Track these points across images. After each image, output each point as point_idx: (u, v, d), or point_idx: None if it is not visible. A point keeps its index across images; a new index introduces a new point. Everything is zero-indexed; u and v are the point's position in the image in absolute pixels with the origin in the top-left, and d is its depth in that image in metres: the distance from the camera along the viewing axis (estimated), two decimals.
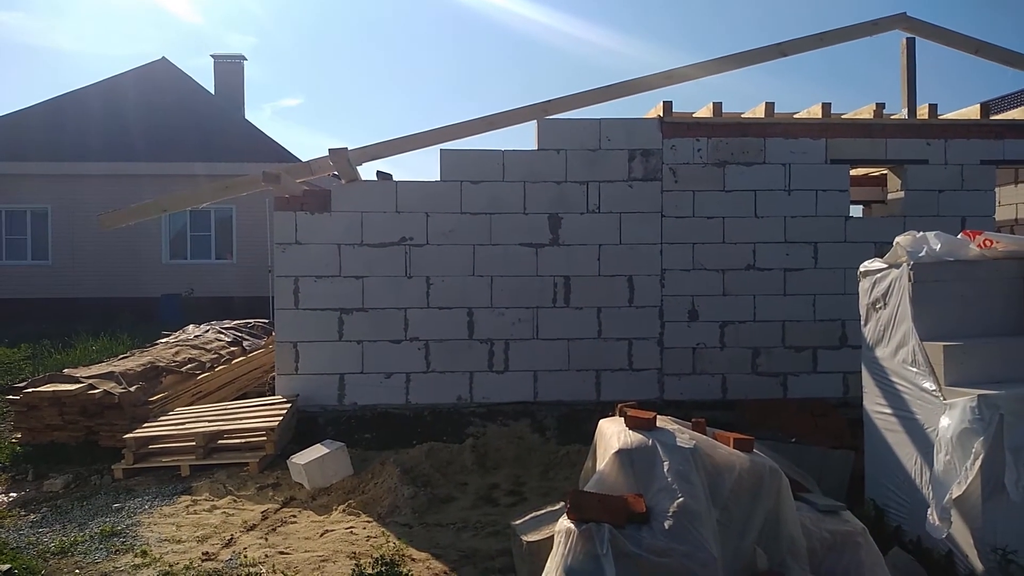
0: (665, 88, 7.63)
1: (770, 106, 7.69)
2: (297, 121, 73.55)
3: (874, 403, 4.59)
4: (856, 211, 12.64)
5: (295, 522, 5.21)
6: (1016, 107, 8.92)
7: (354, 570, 4.08)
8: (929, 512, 3.82)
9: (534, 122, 7.49)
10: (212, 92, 23.03)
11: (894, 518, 4.40)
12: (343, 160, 6.76)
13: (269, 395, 8.11)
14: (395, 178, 7.48)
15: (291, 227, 7.26)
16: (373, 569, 4.07)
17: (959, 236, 4.38)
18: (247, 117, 23.29)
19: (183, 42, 72.85)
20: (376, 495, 5.54)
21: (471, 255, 7.37)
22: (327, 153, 6.97)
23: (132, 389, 6.85)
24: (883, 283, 4.44)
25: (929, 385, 4.02)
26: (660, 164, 7.56)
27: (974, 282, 4.22)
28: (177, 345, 8.81)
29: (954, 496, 3.70)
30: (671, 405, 7.43)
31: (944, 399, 3.89)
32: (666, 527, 3.34)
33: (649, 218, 7.58)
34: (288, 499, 5.68)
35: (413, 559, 4.44)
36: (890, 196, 8.14)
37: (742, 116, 7.95)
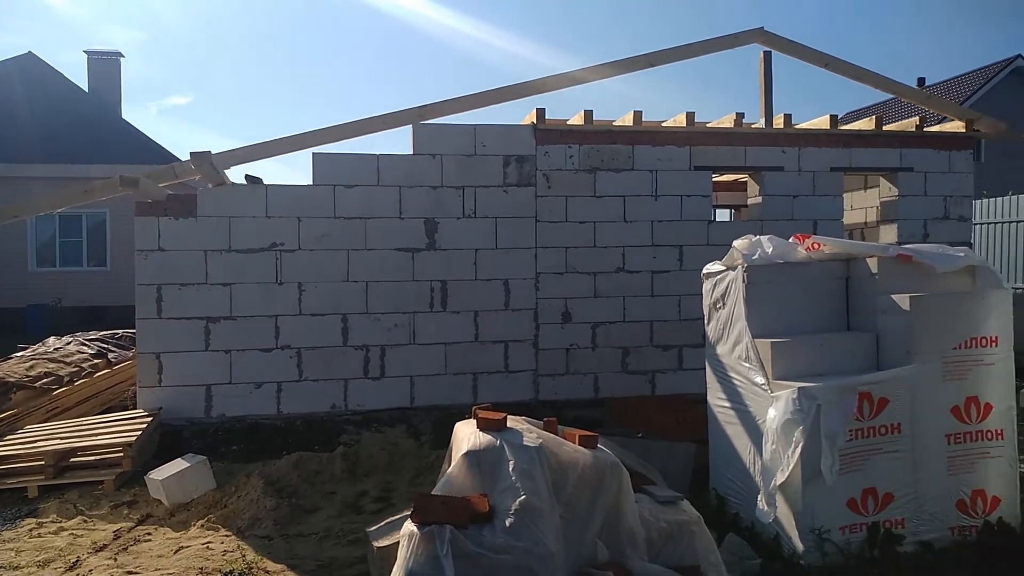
0: (540, 95, 7.80)
1: (638, 114, 7.98)
2: (186, 120, 70.64)
3: (716, 398, 4.86)
4: (725, 215, 13.31)
5: (149, 540, 5.02)
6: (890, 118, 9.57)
7: None
8: (758, 498, 4.07)
9: (410, 127, 7.50)
10: (86, 90, 21.82)
11: (733, 506, 4.66)
12: (206, 164, 6.56)
13: (133, 409, 7.75)
14: (271, 181, 7.34)
15: (153, 233, 6.98)
16: None
17: (790, 240, 4.69)
18: (127, 116, 22.24)
19: (60, 36, 68.72)
20: (237, 508, 5.40)
21: (345, 260, 7.30)
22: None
23: None
24: (722, 284, 4.70)
25: (760, 379, 4.29)
26: (534, 170, 7.71)
27: (802, 283, 4.53)
28: (33, 359, 8.30)
29: (778, 482, 3.96)
30: (546, 405, 7.60)
31: (772, 392, 4.16)
32: (507, 525, 3.42)
33: (524, 223, 7.72)
34: (144, 516, 5.46)
35: (268, 571, 4.37)
36: (750, 201, 8.60)
37: (613, 124, 8.21)
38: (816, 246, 4.59)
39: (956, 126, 8.82)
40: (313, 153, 7.24)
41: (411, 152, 7.46)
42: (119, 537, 5.04)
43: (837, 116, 8.44)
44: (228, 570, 4.21)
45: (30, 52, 21.62)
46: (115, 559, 4.64)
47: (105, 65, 22.33)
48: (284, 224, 7.17)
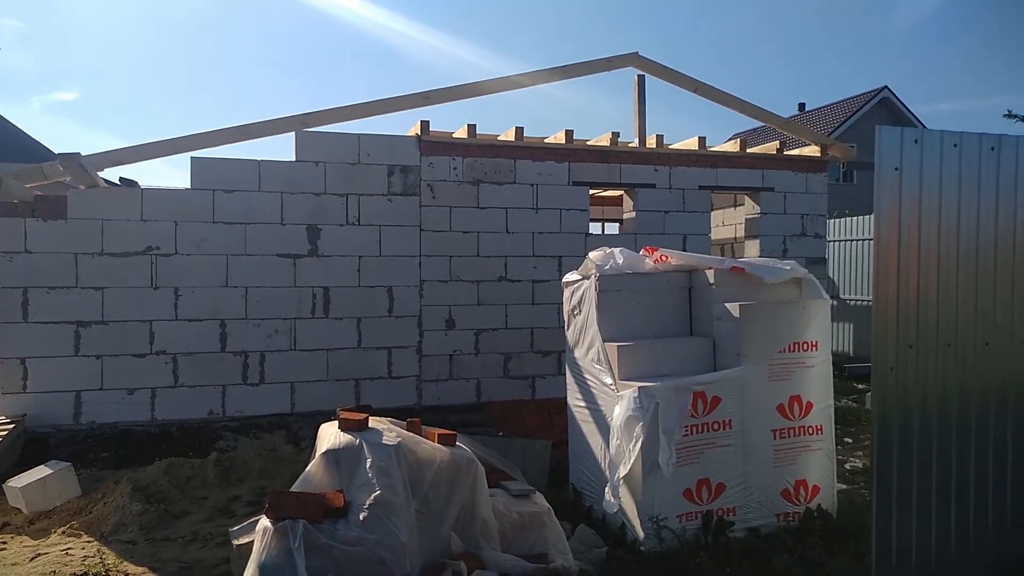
0: (425, 107, 8.01)
1: (519, 130, 8.31)
2: (73, 116, 66.88)
3: (574, 398, 5.18)
4: (612, 228, 13.86)
5: (4, 549, 4.88)
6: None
7: None
8: (606, 490, 4.39)
9: (293, 133, 7.55)
10: None
11: (588, 498, 4.98)
12: (75, 166, 6.42)
13: None
14: (158, 184, 7.23)
15: (19, 234, 6.75)
16: None
17: (640, 252, 5.06)
18: (4, 111, 20.97)
19: None
20: (102, 514, 5.32)
21: (224, 266, 7.26)
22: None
23: None
24: (579, 292, 5.03)
25: (608, 380, 4.63)
26: (419, 180, 7.90)
27: (649, 291, 4.91)
28: None
29: (621, 475, 4.29)
30: (429, 410, 7.79)
31: (618, 391, 4.50)
32: (361, 519, 3.60)
33: (408, 231, 7.89)
34: (1, 526, 5.30)
35: (127, 574, 4.36)
36: (625, 216, 9.07)
37: (496, 138, 8.51)
38: (663, 258, 4.98)
39: (813, 150, 9.57)
40: (192, 157, 7.18)
41: (294, 159, 7.50)
42: None
43: (705, 138, 9.03)
44: (84, 573, 4.17)
45: None
46: None
47: None
48: (160, 228, 7.08)
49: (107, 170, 7.11)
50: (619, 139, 8.77)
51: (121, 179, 7.15)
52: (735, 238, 10.79)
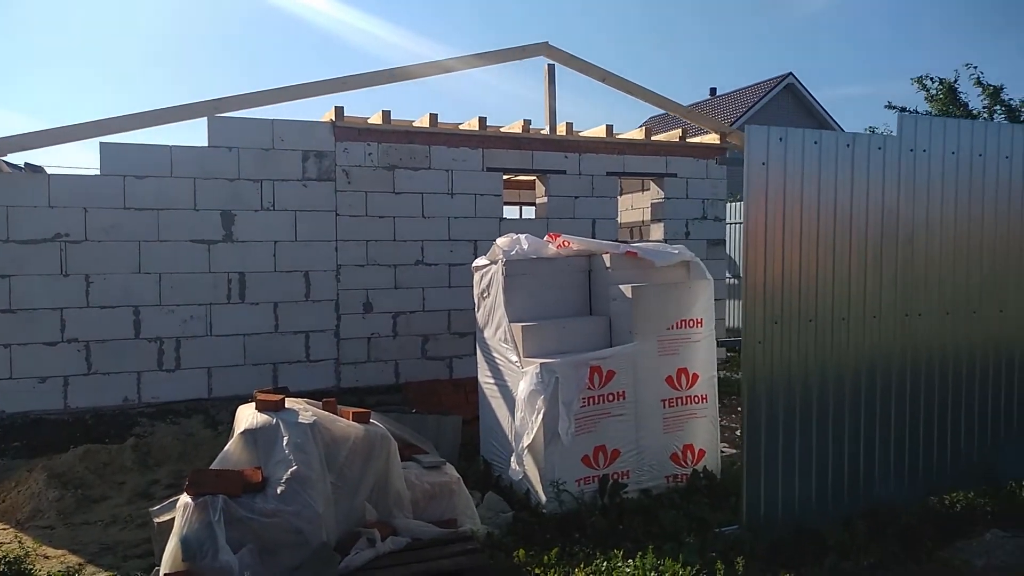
0: (339, 93, 8.11)
1: (434, 117, 8.52)
2: None
3: (484, 376, 5.51)
4: (531, 212, 14.21)
5: None
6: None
7: None
8: (511, 459, 4.74)
9: (206, 119, 7.55)
10: None
11: (498, 469, 5.33)
12: None
13: None
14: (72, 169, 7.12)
15: None
16: None
17: (544, 238, 5.41)
18: None
19: None
20: (17, 502, 5.36)
21: (137, 252, 7.24)
22: None
23: None
24: (487, 276, 5.35)
25: (514, 358, 4.97)
26: (334, 165, 8.02)
27: (552, 275, 5.27)
28: None
29: (525, 444, 4.65)
30: (348, 392, 7.97)
31: (522, 368, 4.84)
32: (278, 492, 3.83)
33: (324, 216, 8.01)
34: None
35: (47, 556, 4.46)
36: (538, 200, 9.42)
37: (412, 124, 8.69)
38: (566, 244, 5.34)
39: (713, 138, 10.12)
40: (101, 143, 7.11)
41: (207, 144, 7.51)
42: None
43: (612, 126, 9.45)
44: (3, 557, 4.25)
45: None
46: None
47: None
48: (69, 214, 7.00)
49: (11, 155, 6.97)
50: (531, 126, 9.08)
51: (27, 164, 7.03)
52: (643, 221, 11.31)
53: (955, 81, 10.40)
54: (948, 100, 10.39)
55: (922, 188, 4.55)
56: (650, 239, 10.26)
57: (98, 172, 7.16)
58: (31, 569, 4.07)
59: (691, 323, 5.12)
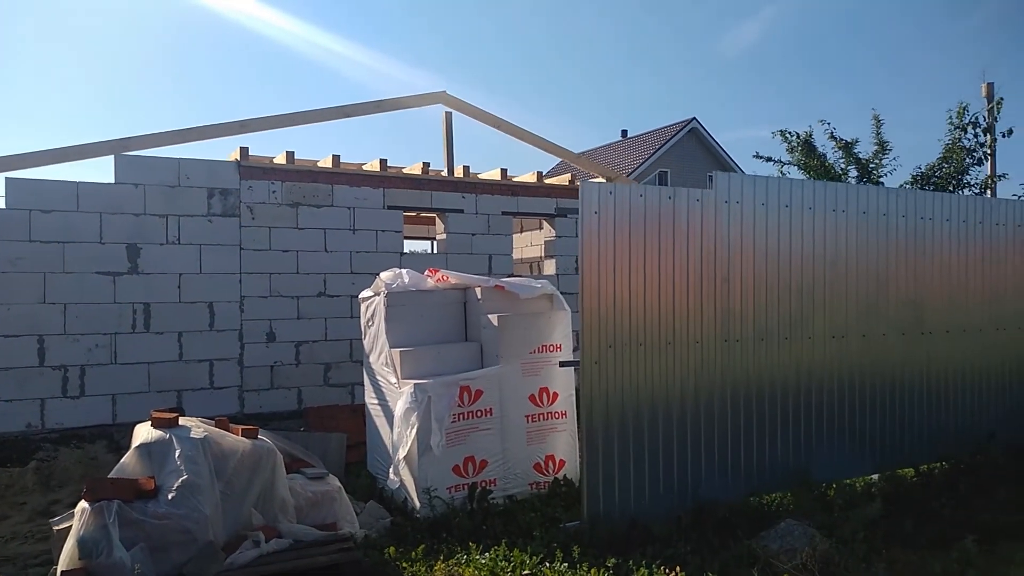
0: (242, 135, 8.62)
1: (336, 158, 9.12)
2: None
3: (370, 398, 6.09)
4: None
5: None
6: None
7: None
8: (390, 470, 5.32)
9: (112, 156, 7.93)
10: None
11: (381, 481, 5.90)
12: None
13: None
14: None
15: None
16: None
17: (424, 273, 6.07)
18: None
19: None
20: None
21: (42, 283, 7.52)
22: None
23: None
24: (372, 307, 5.96)
25: (394, 379, 5.58)
26: (238, 202, 8.50)
27: (430, 306, 5.92)
28: None
29: (401, 456, 5.24)
30: (251, 418, 8.35)
31: (400, 388, 5.45)
32: (170, 498, 4.31)
33: (229, 250, 8.45)
34: None
35: None
36: (438, 237, 10.09)
37: (316, 164, 9.26)
38: (444, 278, 6.01)
39: (601, 181, 11.03)
40: (6, 178, 7.40)
41: (113, 181, 7.88)
42: None
43: (506, 169, 10.24)
44: None
45: None
46: None
47: None
48: None
49: None
50: (430, 168, 9.78)
51: None
52: (541, 257, 12.12)
53: (810, 135, 11.72)
54: (805, 151, 11.67)
55: (736, 233, 5.43)
56: (543, 274, 11.06)
57: (3, 206, 7.44)
58: None
59: (551, 348, 5.84)
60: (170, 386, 8.14)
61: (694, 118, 32.08)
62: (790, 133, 11.86)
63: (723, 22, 77.71)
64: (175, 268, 8.15)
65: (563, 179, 10.85)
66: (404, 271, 5.95)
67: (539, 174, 10.51)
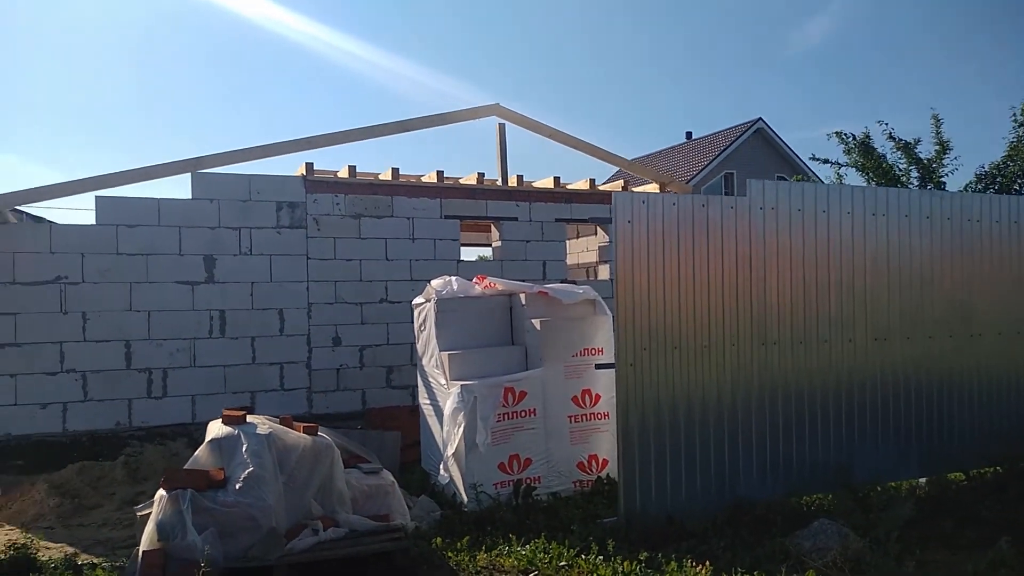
0: (308, 151, 9.15)
1: (395, 170, 9.56)
2: None
3: (423, 398, 6.45)
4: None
5: None
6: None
7: None
8: (439, 467, 5.66)
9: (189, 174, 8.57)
10: None
11: (433, 477, 6.25)
12: None
13: None
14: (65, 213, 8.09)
15: None
16: (5, 555, 4.92)
17: (473, 280, 6.40)
18: None
19: None
20: (22, 508, 6.24)
21: (128, 292, 8.19)
22: None
23: None
24: (424, 312, 6.32)
25: (443, 381, 5.92)
26: (305, 214, 9.03)
27: (477, 311, 6.24)
28: None
29: (450, 453, 5.57)
30: (319, 418, 8.83)
31: (448, 389, 5.79)
32: (237, 488, 4.74)
33: (297, 260, 9.00)
34: None
35: (48, 548, 5.34)
36: (493, 244, 10.43)
37: (377, 177, 9.73)
38: (491, 285, 6.32)
39: (653, 187, 11.17)
40: (96, 196, 8.11)
41: (190, 197, 8.51)
42: None
43: (559, 177, 10.50)
44: (11, 545, 5.13)
45: None
46: None
47: None
48: (69, 259, 7.97)
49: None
50: (485, 177, 10.14)
51: (30, 216, 8.01)
52: (596, 262, 12.33)
53: (867, 136, 11.52)
54: (862, 153, 11.48)
55: (772, 238, 5.56)
56: (598, 278, 11.27)
57: (94, 222, 8.15)
58: (35, 555, 4.95)
59: (593, 351, 6.08)
60: (244, 388, 8.71)
61: (760, 118, 31.58)
62: (846, 134, 11.72)
63: (791, 19, 75.97)
64: (247, 277, 8.72)
65: (616, 185, 11.05)
66: (453, 278, 6.29)
67: (592, 181, 10.72)
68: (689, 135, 35.63)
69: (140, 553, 4.50)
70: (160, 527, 4.46)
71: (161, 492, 4.61)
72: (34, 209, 9.34)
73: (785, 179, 15.79)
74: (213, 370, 8.58)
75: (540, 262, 10.28)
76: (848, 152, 11.60)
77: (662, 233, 5.14)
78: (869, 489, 5.87)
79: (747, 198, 5.50)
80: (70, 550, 5.28)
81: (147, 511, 5.09)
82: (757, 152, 31.10)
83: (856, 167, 11.55)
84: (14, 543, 5.10)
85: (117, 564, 4.94)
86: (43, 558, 4.96)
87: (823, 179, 13.15)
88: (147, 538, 4.50)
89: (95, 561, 5.04)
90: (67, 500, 6.36)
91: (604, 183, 11.22)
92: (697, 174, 29.35)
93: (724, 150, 30.31)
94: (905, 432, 6.13)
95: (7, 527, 5.92)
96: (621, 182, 11.05)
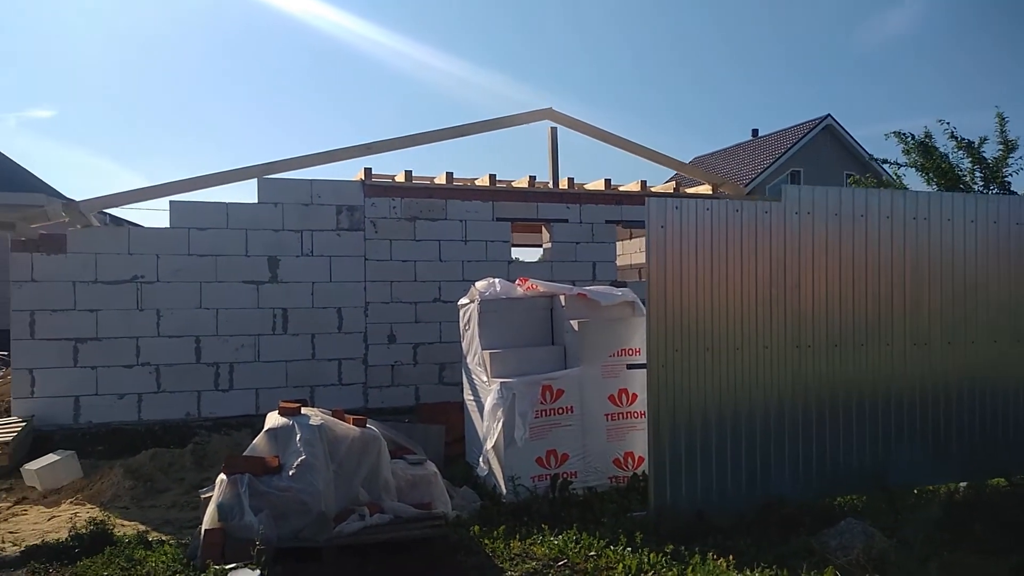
0: (367, 157, 9.58)
1: (450, 175, 9.90)
2: (50, 134, 67.66)
3: (467, 394, 6.74)
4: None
5: (25, 514, 6.35)
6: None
7: (70, 531, 5.41)
8: (480, 459, 5.94)
9: (256, 180, 9.08)
10: None
11: (476, 470, 6.53)
12: (75, 212, 7.94)
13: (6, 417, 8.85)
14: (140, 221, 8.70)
15: (27, 267, 8.22)
16: (86, 530, 5.42)
17: (515, 282, 6.65)
18: None
19: None
20: (100, 489, 6.80)
21: (199, 291, 8.76)
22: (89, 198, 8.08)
23: None
24: (468, 312, 6.61)
25: (485, 378, 6.19)
26: (363, 217, 9.46)
27: (519, 312, 6.49)
28: None
29: (489, 447, 5.84)
30: (373, 412, 9.25)
31: (489, 386, 6.06)
32: (290, 474, 5.12)
33: (355, 261, 9.43)
34: (20, 499, 6.75)
35: (123, 525, 5.85)
36: (543, 246, 10.67)
37: (433, 181, 10.09)
38: (532, 287, 6.57)
39: (706, 188, 11.22)
40: (170, 201, 8.70)
41: (256, 201, 9.02)
42: None
43: (610, 180, 10.66)
44: (91, 519, 5.64)
45: None
46: None
47: None
48: (144, 260, 8.57)
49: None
50: (536, 180, 10.38)
51: (112, 219, 8.65)
52: None
53: (928, 136, 11.23)
54: (921, 153, 11.22)
55: (807, 242, 5.63)
56: None
57: (168, 225, 8.74)
58: (112, 531, 5.44)
59: (631, 351, 6.25)
60: (304, 382, 9.19)
61: (828, 115, 30.88)
62: (905, 134, 11.49)
63: (867, 13, 73.61)
64: (308, 277, 9.20)
65: (669, 187, 11.13)
66: (497, 280, 6.56)
67: (643, 183, 10.85)
68: (755, 132, 35.09)
69: (202, 531, 4.92)
70: (220, 508, 4.87)
71: (222, 476, 5.02)
72: (121, 212, 10.02)
73: (854, 176, 15.45)
74: (275, 365, 9.08)
75: (590, 263, 10.47)
76: (907, 152, 11.39)
77: (695, 237, 5.29)
78: (904, 492, 5.89)
79: (781, 203, 5.60)
80: (142, 528, 5.78)
81: (210, 494, 5.53)
82: (826, 149, 30.44)
83: (916, 167, 11.32)
84: (94, 519, 5.61)
85: (183, 541, 5.37)
86: (119, 534, 5.44)
87: (893, 177, 12.79)
88: (209, 518, 4.91)
89: (164, 538, 5.50)
90: (140, 483, 6.89)
91: (661, 185, 11.31)
92: (761, 172, 28.92)
93: (790, 148, 29.78)
94: (944, 436, 6.11)
95: (88, 506, 6.47)
96: (673, 184, 11.13)
